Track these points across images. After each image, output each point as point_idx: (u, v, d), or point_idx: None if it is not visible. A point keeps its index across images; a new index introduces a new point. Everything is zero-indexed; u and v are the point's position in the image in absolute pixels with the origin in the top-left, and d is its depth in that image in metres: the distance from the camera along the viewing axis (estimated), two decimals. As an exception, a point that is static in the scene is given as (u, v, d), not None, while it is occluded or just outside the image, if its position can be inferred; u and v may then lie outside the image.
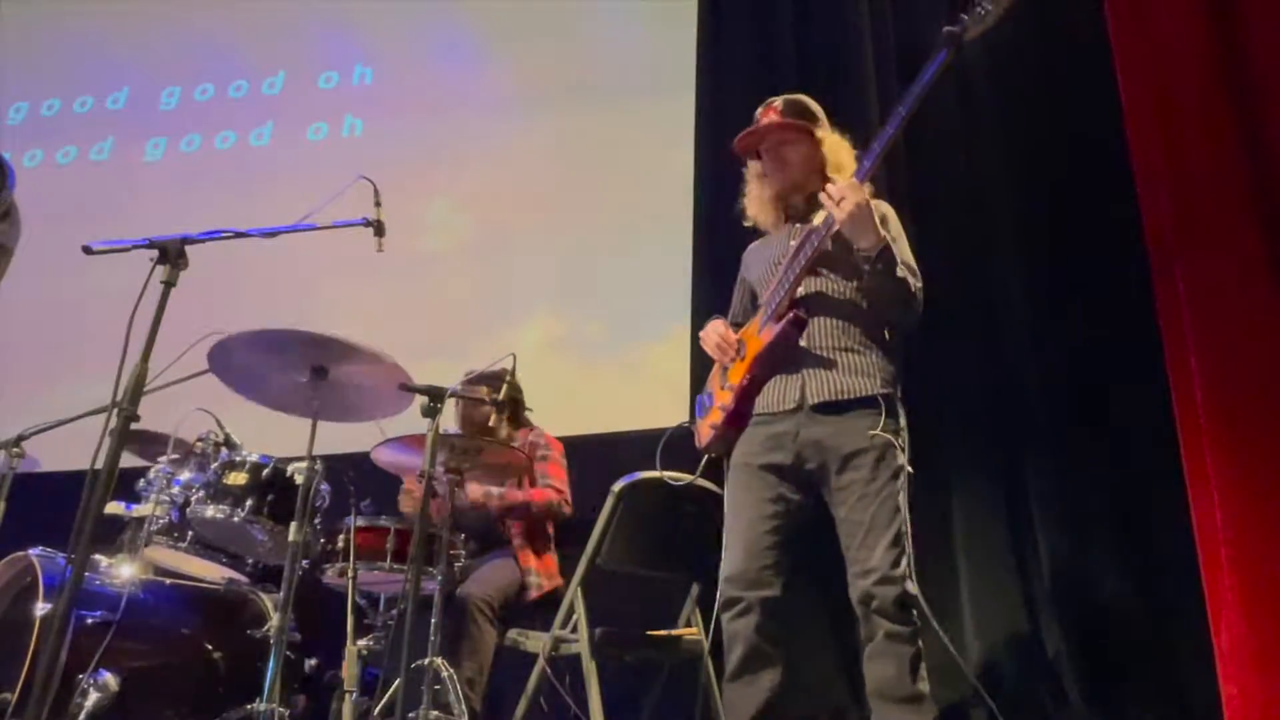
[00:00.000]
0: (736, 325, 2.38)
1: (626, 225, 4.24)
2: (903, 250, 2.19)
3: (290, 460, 2.66)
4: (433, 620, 2.48)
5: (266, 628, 2.55)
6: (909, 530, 2.06)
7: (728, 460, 2.26)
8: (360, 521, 2.75)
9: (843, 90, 3.87)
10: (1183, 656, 2.83)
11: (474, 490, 3.06)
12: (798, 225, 2.31)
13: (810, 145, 2.31)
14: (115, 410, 1.70)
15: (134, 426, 1.74)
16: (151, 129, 5.04)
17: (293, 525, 2.35)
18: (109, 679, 2.24)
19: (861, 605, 2.01)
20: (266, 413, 2.64)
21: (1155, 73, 3.08)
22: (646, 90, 4.43)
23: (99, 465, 1.67)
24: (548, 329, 4.16)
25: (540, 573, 3.05)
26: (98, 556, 2.52)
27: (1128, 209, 3.11)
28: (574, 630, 2.63)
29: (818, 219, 2.16)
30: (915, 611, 2.00)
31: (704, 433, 2.32)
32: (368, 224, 2.30)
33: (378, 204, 2.32)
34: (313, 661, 2.77)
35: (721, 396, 2.28)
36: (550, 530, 3.20)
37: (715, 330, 2.34)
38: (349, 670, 2.40)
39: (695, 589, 2.87)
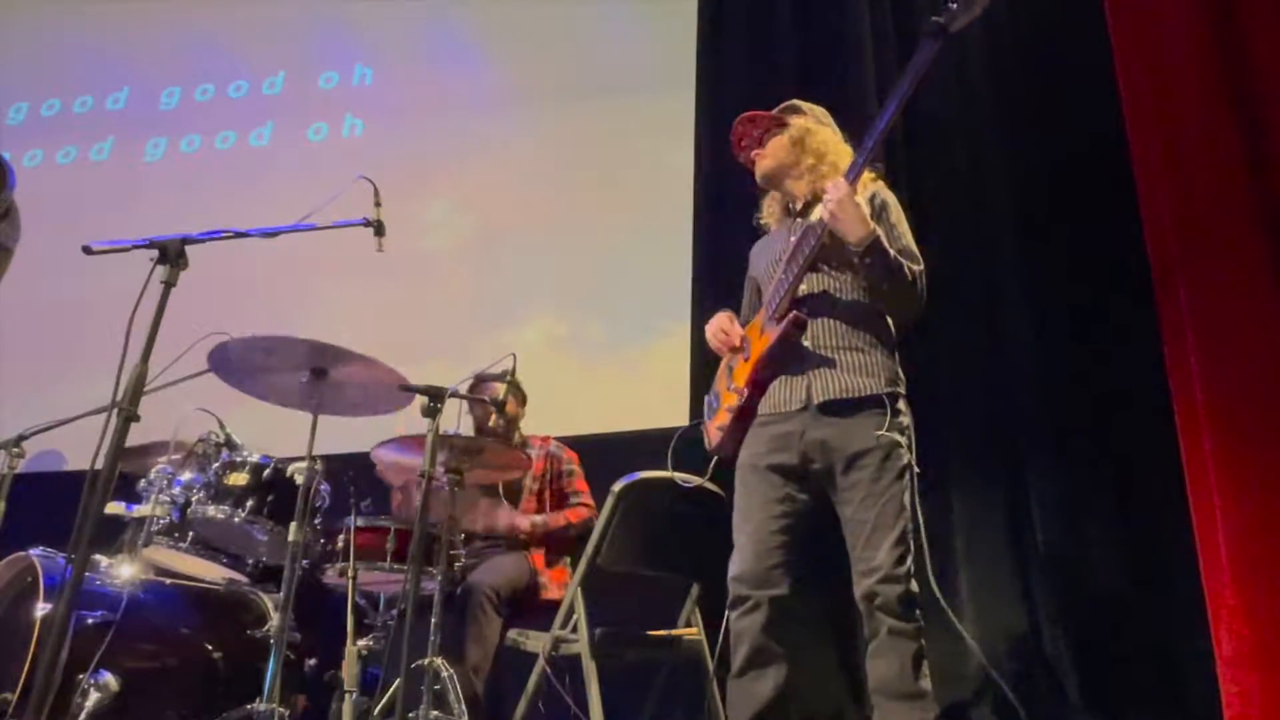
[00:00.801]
0: (746, 323, 2.39)
1: (626, 225, 4.24)
2: (902, 236, 2.20)
3: (290, 460, 2.66)
4: (433, 620, 2.48)
5: (266, 628, 2.55)
6: (921, 527, 2.07)
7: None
8: (360, 521, 2.75)
9: (842, 90, 3.87)
10: (1183, 656, 2.84)
11: (516, 519, 3.07)
12: (798, 220, 2.32)
13: (783, 133, 2.32)
14: (115, 410, 1.70)
15: (132, 439, 1.73)
16: (151, 129, 5.04)
17: (293, 525, 2.35)
18: (109, 679, 2.23)
19: (865, 602, 2.02)
20: (267, 413, 2.64)
21: (1155, 72, 3.08)
22: (646, 90, 4.43)
23: (99, 465, 1.66)
24: (548, 329, 4.16)
25: (551, 582, 3.07)
26: (98, 556, 2.52)
27: (1128, 208, 3.11)
28: (574, 630, 2.63)
29: (815, 215, 2.16)
30: (918, 610, 2.01)
31: (713, 435, 2.34)
32: (368, 224, 2.30)
33: (378, 204, 2.32)
34: (312, 661, 2.78)
35: (727, 398, 2.29)
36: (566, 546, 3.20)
37: (717, 321, 2.35)
38: (349, 670, 2.40)
39: (695, 589, 2.87)
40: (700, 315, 3.92)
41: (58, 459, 4.03)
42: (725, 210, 3.87)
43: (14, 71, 5.31)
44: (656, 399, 3.83)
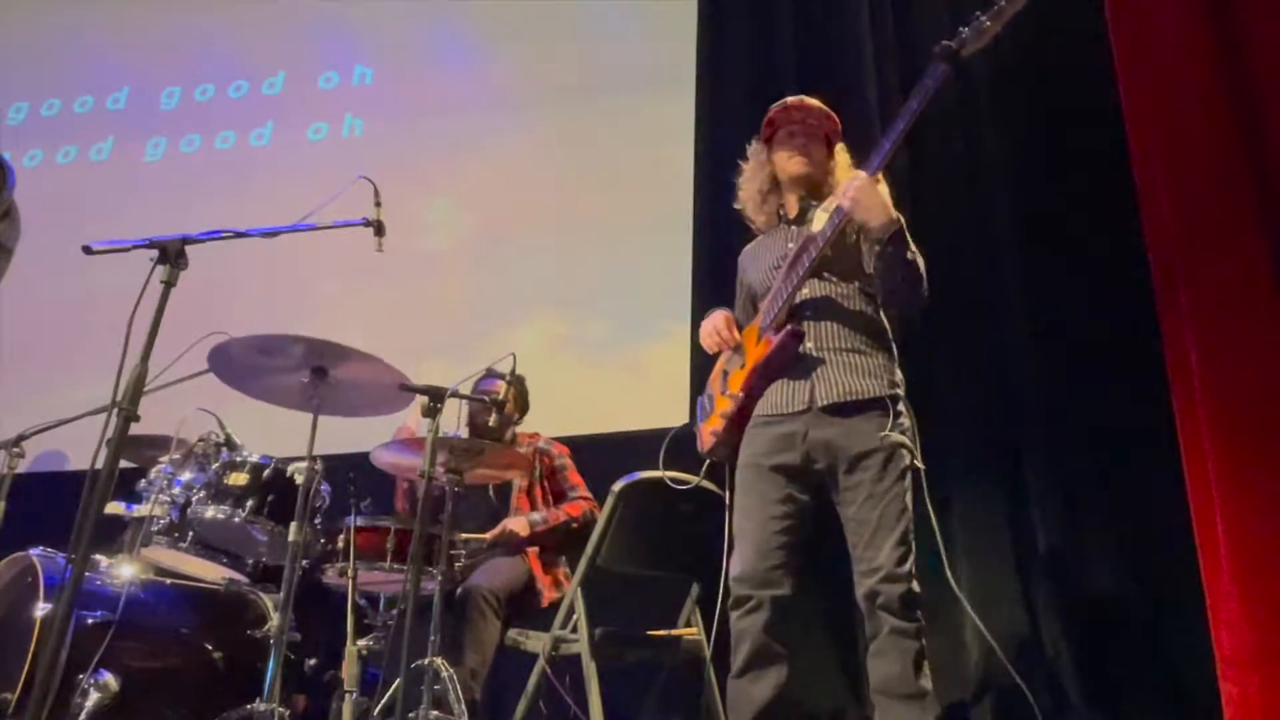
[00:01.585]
0: (739, 327, 2.38)
1: (626, 225, 4.23)
2: None
3: (290, 460, 2.66)
4: (433, 620, 2.48)
5: (266, 628, 2.55)
6: (935, 528, 2.08)
7: (730, 464, 2.27)
8: (360, 521, 2.74)
9: (842, 91, 3.87)
10: (1183, 656, 2.83)
11: (510, 524, 3.06)
12: (794, 228, 2.31)
13: (829, 154, 2.33)
14: (115, 410, 1.70)
15: (133, 430, 1.74)
16: (151, 129, 5.04)
17: (293, 525, 2.35)
18: (109, 679, 2.24)
19: (867, 602, 2.03)
20: (267, 413, 2.64)
21: (1155, 73, 3.08)
22: (646, 90, 4.43)
23: (99, 465, 1.66)
24: (548, 329, 4.16)
25: (547, 584, 3.06)
26: (98, 556, 2.52)
27: (1128, 207, 3.11)
28: (574, 630, 2.63)
29: (816, 225, 2.16)
30: (919, 610, 2.01)
31: (705, 438, 2.34)
32: (368, 224, 2.30)
33: (378, 204, 2.32)
34: (312, 661, 2.78)
35: (722, 403, 2.29)
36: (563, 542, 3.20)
37: (715, 321, 2.35)
38: (349, 670, 2.40)
39: (695, 589, 2.87)
40: (700, 315, 3.91)
41: (59, 459, 4.04)
42: (725, 210, 3.85)
43: (14, 71, 5.30)
44: (656, 399, 3.83)
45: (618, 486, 2.64)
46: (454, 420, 3.30)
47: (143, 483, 2.73)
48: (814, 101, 2.37)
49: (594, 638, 2.55)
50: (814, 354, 2.16)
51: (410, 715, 2.34)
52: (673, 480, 2.44)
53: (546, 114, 4.53)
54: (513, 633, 2.86)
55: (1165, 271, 2.95)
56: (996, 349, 3.46)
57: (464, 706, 2.47)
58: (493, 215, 4.41)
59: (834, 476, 2.11)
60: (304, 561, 2.63)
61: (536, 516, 3.11)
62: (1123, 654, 2.96)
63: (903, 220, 2.08)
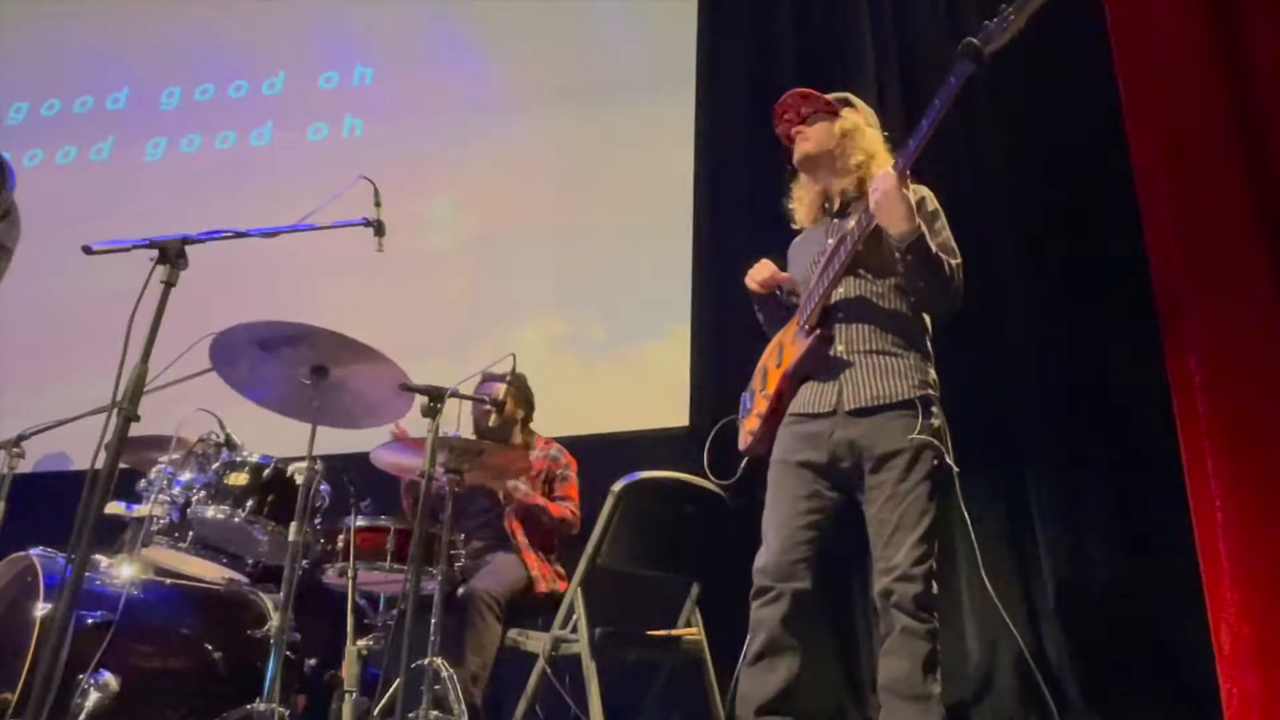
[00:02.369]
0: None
1: (626, 225, 4.24)
2: (942, 230, 2.19)
3: (290, 460, 2.66)
4: (433, 620, 2.48)
5: (266, 628, 2.55)
6: (971, 530, 2.11)
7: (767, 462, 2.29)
8: (360, 521, 2.75)
9: (842, 90, 3.86)
10: (1183, 656, 2.84)
11: (510, 483, 3.08)
12: (835, 222, 2.31)
13: (831, 121, 2.30)
14: (115, 410, 1.70)
15: (134, 430, 1.73)
16: (151, 129, 5.04)
17: (293, 525, 2.35)
18: (109, 679, 2.23)
19: (881, 599, 2.04)
20: (267, 413, 2.64)
21: (1155, 73, 3.08)
22: (646, 90, 4.43)
23: (99, 465, 1.66)
24: (548, 329, 4.16)
25: (542, 576, 3.06)
26: (98, 556, 2.52)
27: (1129, 208, 3.11)
28: (574, 630, 2.63)
29: (851, 222, 2.16)
30: (934, 612, 2.02)
31: (744, 437, 2.37)
32: (368, 224, 2.30)
33: (378, 204, 2.32)
34: (312, 661, 2.77)
35: (759, 403, 2.32)
36: (554, 541, 3.22)
37: (761, 269, 2.36)
38: (349, 670, 2.40)
39: (695, 589, 2.87)
40: (700, 315, 3.93)
41: (62, 459, 4.04)
42: (725, 210, 3.87)
43: (14, 71, 5.31)
44: (656, 399, 3.83)
45: (618, 486, 2.64)
46: (454, 422, 3.30)
47: (143, 483, 2.73)
48: (798, 90, 2.36)
49: (594, 638, 2.55)
50: (844, 357, 2.17)
51: (410, 715, 2.34)
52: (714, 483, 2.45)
53: (546, 114, 4.53)
54: (513, 633, 2.86)
55: (1165, 271, 2.95)
56: (997, 349, 3.46)
57: (464, 708, 2.47)
58: (493, 215, 4.41)
59: (860, 475, 2.12)
60: (304, 561, 2.64)
61: (523, 485, 3.12)
62: (1123, 654, 2.96)
63: (924, 227, 2.06)
